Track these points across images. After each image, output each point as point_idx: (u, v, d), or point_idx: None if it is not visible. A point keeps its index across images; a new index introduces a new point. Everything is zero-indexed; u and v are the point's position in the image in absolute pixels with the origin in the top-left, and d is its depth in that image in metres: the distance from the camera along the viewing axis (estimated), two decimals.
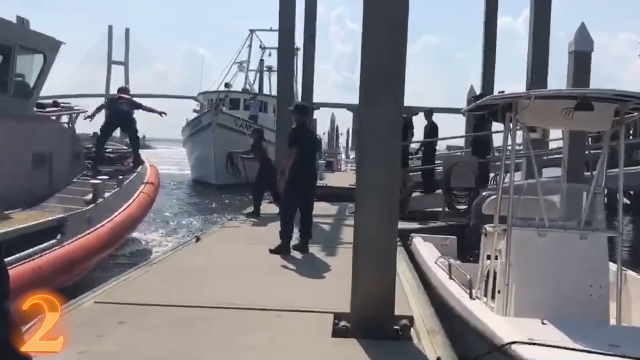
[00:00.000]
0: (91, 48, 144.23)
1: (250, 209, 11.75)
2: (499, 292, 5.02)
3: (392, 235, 4.32)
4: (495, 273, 5.15)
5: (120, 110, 11.98)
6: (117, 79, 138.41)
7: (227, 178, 18.68)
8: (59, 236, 7.02)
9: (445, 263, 5.96)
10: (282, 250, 7.28)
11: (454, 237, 8.44)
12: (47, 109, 10.61)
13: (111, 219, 8.63)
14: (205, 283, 5.50)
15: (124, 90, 12.74)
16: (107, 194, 8.98)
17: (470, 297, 4.80)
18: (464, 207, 10.70)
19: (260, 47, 41.54)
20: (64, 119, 11.36)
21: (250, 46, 43.31)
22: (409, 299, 5.12)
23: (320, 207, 13.37)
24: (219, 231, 9.44)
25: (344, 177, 26.00)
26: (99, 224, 8.18)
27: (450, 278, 5.46)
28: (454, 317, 4.73)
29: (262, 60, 41.08)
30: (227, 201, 21.25)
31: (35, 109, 9.77)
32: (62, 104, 12.17)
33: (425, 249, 7.45)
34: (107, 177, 9.41)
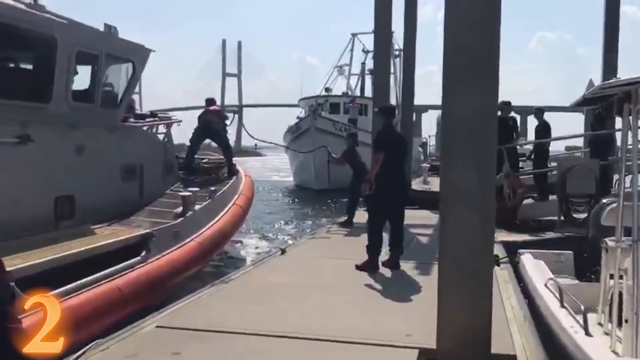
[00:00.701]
0: (207, 61, 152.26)
1: (345, 218, 11.30)
2: (626, 321, 4.12)
3: (486, 255, 3.59)
4: (620, 296, 4.26)
5: (204, 120, 12.04)
6: (231, 90, 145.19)
7: (327, 183, 18.51)
8: (143, 253, 6.72)
9: (556, 286, 5.03)
10: (368, 267, 6.64)
11: (570, 252, 7.31)
12: (143, 120, 10.63)
13: (200, 234, 8.29)
14: (277, 305, 4.99)
15: (209, 101, 12.68)
16: (197, 207, 8.69)
17: (586, 332, 3.89)
18: (583, 216, 9.51)
19: (363, 50, 41.34)
20: (161, 129, 11.51)
21: (352, 50, 43.27)
22: (512, 333, 4.26)
23: (421, 216, 12.61)
24: (306, 242, 8.98)
25: None
26: (188, 239, 7.84)
27: (562, 306, 4.52)
28: (567, 358, 3.86)
29: (363, 64, 40.63)
30: (324, 207, 20.93)
31: (132, 120, 9.86)
32: (160, 115, 12.26)
33: (535, 267, 6.44)
34: (197, 188, 9.13)
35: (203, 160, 12.73)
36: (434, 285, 5.04)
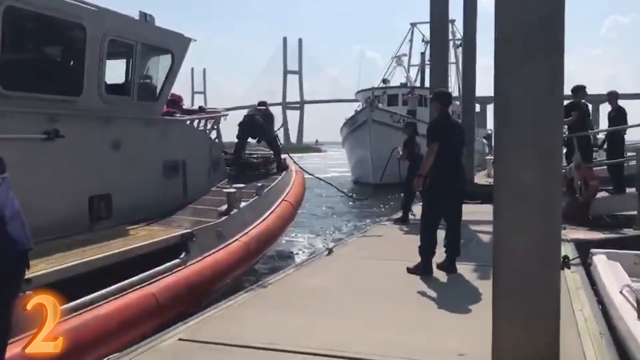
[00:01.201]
0: (268, 60, 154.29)
1: (399, 214, 10.73)
2: None
3: (551, 263, 2.98)
4: None
5: (246, 115, 11.89)
6: (292, 87, 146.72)
7: (387, 177, 17.78)
8: (183, 255, 6.26)
9: (633, 293, 4.31)
10: (421, 270, 6.08)
11: None
12: (185, 116, 10.33)
13: (246, 233, 7.80)
14: (315, 315, 4.51)
15: (262, 103, 12.62)
16: (243, 204, 8.25)
17: None
18: None
19: (423, 40, 40.25)
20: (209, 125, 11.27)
21: (411, 40, 42.34)
22: (585, 351, 3.64)
23: (483, 211, 11.75)
24: (356, 241, 8.46)
25: None
26: (232, 239, 7.35)
27: None
28: None
29: (423, 54, 39.56)
30: (381, 204, 20.31)
31: (178, 115, 9.61)
32: (207, 110, 11.99)
33: (609, 271, 5.67)
34: (243, 185, 8.66)
35: (252, 156, 12.47)
36: None
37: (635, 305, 4.01)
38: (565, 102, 11.50)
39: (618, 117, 10.79)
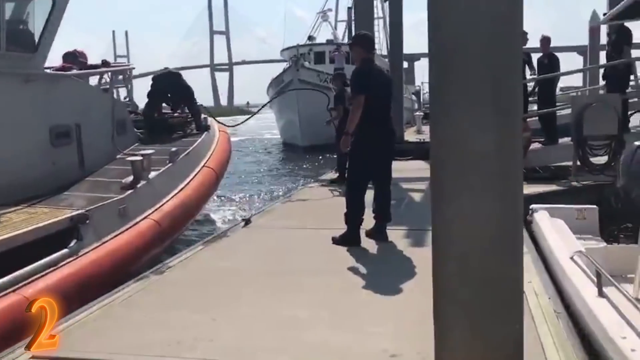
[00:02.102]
0: (193, 21, 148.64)
1: (334, 174, 10.04)
2: None
3: (513, 251, 2.28)
4: None
5: (162, 72, 11.10)
6: (220, 48, 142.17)
7: (315, 138, 17.08)
8: (73, 243, 5.19)
9: (589, 262, 3.76)
10: (347, 240, 5.37)
11: (594, 207, 6.01)
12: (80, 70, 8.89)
13: (158, 208, 6.81)
14: (217, 309, 3.66)
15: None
16: (153, 174, 7.23)
17: None
18: (603, 161, 8.20)
19: None
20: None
21: None
22: (541, 336, 3.01)
23: (414, 168, 11.30)
24: (279, 208, 7.64)
25: None
26: (140, 217, 6.35)
27: (601, 295, 3.26)
28: None
29: (350, 9, 38.47)
30: (311, 165, 19.63)
31: (75, 70, 8.34)
32: (114, 64, 10.68)
33: (554, 230, 5.15)
34: (152, 150, 7.60)
35: (167, 116, 11.26)
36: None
37: (593, 277, 3.44)
38: None
39: (550, 64, 10.39)
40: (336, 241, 5.40)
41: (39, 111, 6.68)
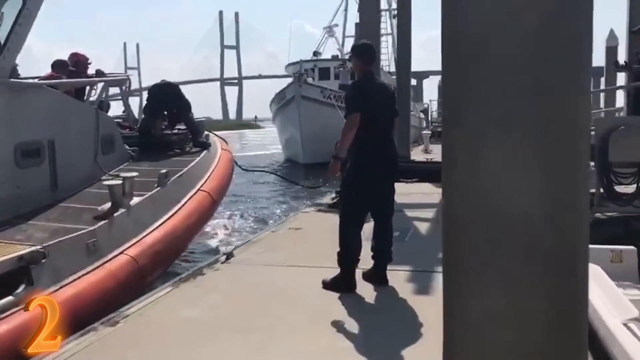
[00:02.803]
0: (204, 34, 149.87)
1: (332, 198, 9.34)
2: None
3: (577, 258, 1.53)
4: None
5: (159, 84, 10.22)
6: (230, 62, 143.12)
7: (317, 156, 16.50)
8: (21, 289, 4.34)
9: None
10: (340, 284, 4.62)
11: (632, 248, 5.19)
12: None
13: (137, 242, 5.89)
14: None
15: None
16: (136, 199, 6.41)
17: None
18: (630, 190, 7.42)
19: (359, 10, 38.61)
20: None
21: (346, 9, 40.78)
22: None
23: (421, 191, 10.59)
24: (268, 238, 6.85)
25: None
26: (114, 253, 5.49)
27: None
28: None
29: (357, 24, 38.03)
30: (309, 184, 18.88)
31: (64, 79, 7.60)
32: (109, 75, 9.84)
33: (592, 280, 4.37)
34: (134, 174, 6.72)
35: (165, 132, 10.40)
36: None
37: None
38: None
39: None
40: (327, 286, 4.64)
41: (2, 125, 5.89)
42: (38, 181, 6.30)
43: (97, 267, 5.17)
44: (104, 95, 9.12)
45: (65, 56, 9.15)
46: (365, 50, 5.02)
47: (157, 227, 6.49)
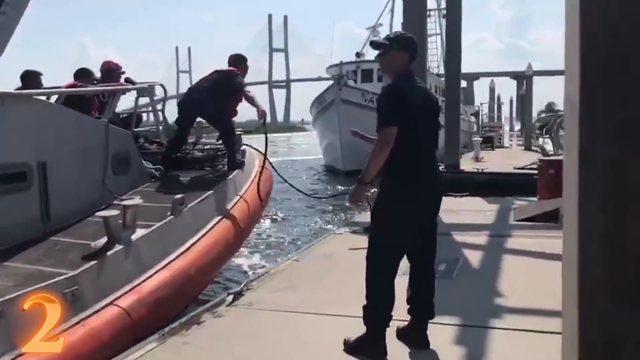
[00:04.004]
0: (254, 38, 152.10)
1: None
2: None
3: None
4: None
5: (192, 89, 8.74)
6: (278, 65, 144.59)
7: (357, 163, 15.38)
8: None
9: None
10: (367, 348, 3.62)
11: None
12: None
13: (133, 288, 4.84)
14: None
15: (236, 58, 8.77)
16: (141, 232, 5.40)
17: None
18: None
19: (403, 10, 37.23)
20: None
21: (392, 10, 39.66)
22: None
23: (471, 207, 9.43)
24: (288, 268, 5.88)
25: (507, 156, 21.36)
26: (100, 304, 4.46)
27: None
28: None
29: (403, 24, 36.65)
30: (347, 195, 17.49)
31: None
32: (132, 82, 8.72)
33: None
34: (138, 200, 5.76)
35: (197, 147, 9.37)
36: None
37: None
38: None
39: None
40: (351, 348, 3.64)
41: None
42: (23, 211, 5.42)
43: (74, 324, 4.21)
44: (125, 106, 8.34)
45: (118, 61, 8.71)
46: (403, 42, 3.89)
47: (162, 268, 5.45)
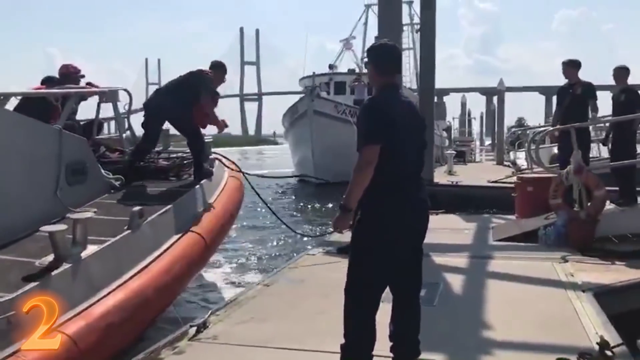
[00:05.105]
0: (225, 51, 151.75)
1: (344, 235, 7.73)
2: None
3: None
4: None
5: (156, 93, 8.21)
6: (250, 79, 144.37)
7: (330, 175, 15.38)
8: None
9: None
10: None
11: None
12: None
13: (81, 313, 4.30)
14: None
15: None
16: (92, 249, 4.84)
17: None
18: None
19: (378, 24, 37.36)
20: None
21: (365, 23, 39.90)
22: None
23: (449, 226, 9.09)
24: (256, 297, 5.38)
25: (480, 170, 21.33)
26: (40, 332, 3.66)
27: None
28: None
29: (377, 37, 36.68)
30: (320, 206, 17.10)
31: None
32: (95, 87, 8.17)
33: None
34: (91, 212, 5.19)
35: (162, 156, 8.80)
36: None
37: None
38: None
39: (628, 102, 8.14)
40: None
41: None
42: None
43: (8, 356, 3.64)
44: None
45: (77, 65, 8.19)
46: (385, 53, 3.51)
47: (116, 289, 4.85)
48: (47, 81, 7.73)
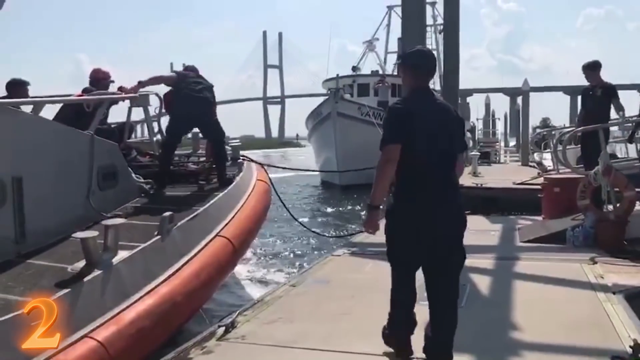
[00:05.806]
0: (248, 54, 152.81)
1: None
2: None
3: None
4: None
5: (189, 95, 7.65)
6: (273, 82, 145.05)
7: (354, 177, 15.28)
8: None
9: None
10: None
11: None
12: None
13: (110, 320, 4.29)
14: None
15: (191, 68, 8.33)
16: (123, 255, 4.88)
17: None
18: None
19: (402, 25, 37.23)
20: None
21: (388, 25, 39.76)
22: None
23: (475, 227, 8.87)
24: (282, 297, 5.41)
25: (505, 171, 21.06)
26: (70, 339, 3.88)
27: None
28: None
29: (399, 39, 36.56)
30: (345, 210, 17.02)
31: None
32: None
33: None
34: (121, 220, 5.28)
35: (190, 160, 9.01)
36: None
37: None
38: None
39: None
40: None
41: None
42: None
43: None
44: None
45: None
46: (415, 58, 3.68)
47: (146, 294, 4.88)
48: (86, 91, 7.88)
